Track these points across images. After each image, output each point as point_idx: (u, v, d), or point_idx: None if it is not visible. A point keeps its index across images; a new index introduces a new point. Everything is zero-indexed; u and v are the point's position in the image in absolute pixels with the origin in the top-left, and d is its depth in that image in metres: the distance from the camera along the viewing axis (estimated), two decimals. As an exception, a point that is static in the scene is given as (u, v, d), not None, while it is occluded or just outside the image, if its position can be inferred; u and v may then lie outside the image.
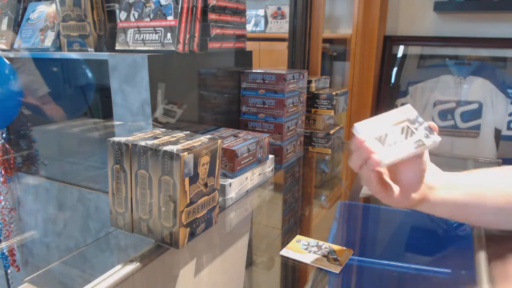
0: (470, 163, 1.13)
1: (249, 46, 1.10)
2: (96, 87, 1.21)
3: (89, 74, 1.20)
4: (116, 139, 0.61)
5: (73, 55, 0.94)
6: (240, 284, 0.83)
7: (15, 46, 1.06)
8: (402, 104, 0.83)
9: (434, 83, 1.83)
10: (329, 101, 1.21)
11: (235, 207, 0.83)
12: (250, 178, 0.89)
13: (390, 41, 1.93)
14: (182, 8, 0.81)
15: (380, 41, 1.89)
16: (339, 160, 1.27)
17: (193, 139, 0.63)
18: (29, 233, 1.19)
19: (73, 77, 1.22)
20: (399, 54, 1.93)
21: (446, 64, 1.83)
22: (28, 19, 1.05)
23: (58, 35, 0.97)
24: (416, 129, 0.52)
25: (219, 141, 0.63)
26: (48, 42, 0.99)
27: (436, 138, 0.52)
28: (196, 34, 0.87)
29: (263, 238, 0.86)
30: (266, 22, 2.53)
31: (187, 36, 0.83)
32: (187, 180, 0.57)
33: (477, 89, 1.76)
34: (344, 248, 0.67)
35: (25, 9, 1.09)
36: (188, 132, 0.68)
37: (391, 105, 1.93)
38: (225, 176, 0.82)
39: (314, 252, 0.67)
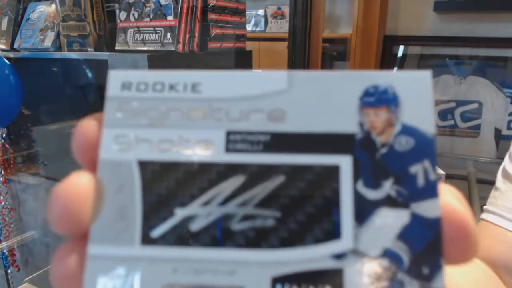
0: (470, 163, 1.13)
1: (249, 46, 1.10)
2: (96, 87, 1.21)
3: (89, 74, 1.20)
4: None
5: (73, 55, 0.94)
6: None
7: (15, 46, 1.06)
8: None
9: (434, 82, 1.82)
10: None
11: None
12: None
13: (390, 41, 1.93)
14: (182, 8, 0.81)
15: (380, 41, 1.89)
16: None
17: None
18: (29, 233, 1.19)
19: (73, 77, 1.22)
20: (399, 54, 1.93)
21: (446, 64, 1.83)
22: (28, 19, 1.05)
23: (58, 35, 0.97)
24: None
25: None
26: (48, 42, 0.99)
27: None
28: (196, 34, 0.87)
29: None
30: (266, 22, 2.53)
31: (187, 36, 0.83)
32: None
33: (477, 89, 1.76)
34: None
35: (25, 9, 1.09)
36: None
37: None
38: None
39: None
